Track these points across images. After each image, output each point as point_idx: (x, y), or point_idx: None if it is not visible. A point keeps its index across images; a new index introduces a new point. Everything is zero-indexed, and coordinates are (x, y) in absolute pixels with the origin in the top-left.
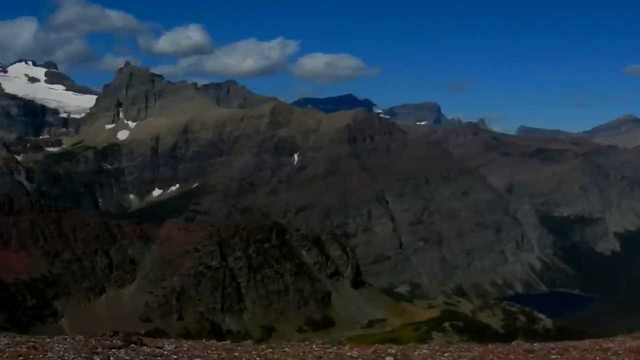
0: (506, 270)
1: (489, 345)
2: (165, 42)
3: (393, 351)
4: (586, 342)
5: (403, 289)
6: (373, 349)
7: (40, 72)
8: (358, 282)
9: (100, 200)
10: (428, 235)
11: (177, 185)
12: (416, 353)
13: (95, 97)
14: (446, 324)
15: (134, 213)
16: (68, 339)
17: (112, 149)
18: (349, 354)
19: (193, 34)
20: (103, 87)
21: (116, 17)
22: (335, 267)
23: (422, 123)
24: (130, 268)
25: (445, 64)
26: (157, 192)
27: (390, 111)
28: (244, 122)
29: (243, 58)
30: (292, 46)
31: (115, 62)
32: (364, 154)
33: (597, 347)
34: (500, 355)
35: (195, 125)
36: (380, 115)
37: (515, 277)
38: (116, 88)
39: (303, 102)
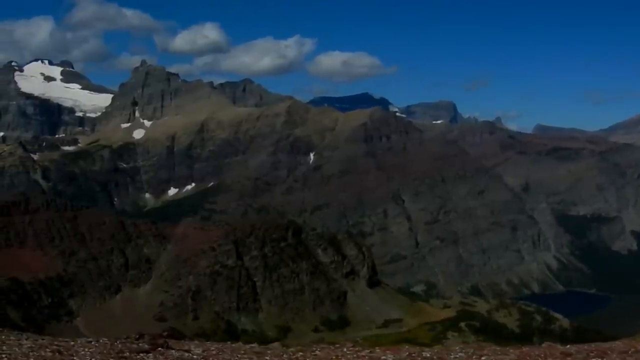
0: (522, 269)
1: (524, 348)
2: (181, 41)
3: (428, 354)
4: (620, 344)
5: (419, 288)
6: (407, 352)
7: (56, 71)
8: (374, 282)
9: (116, 199)
10: (444, 235)
11: (193, 185)
12: (452, 356)
13: (111, 96)
14: (462, 324)
15: (150, 212)
16: (92, 342)
17: (127, 148)
18: (383, 357)
19: (209, 33)
20: (119, 86)
21: (132, 16)
22: (351, 267)
23: (438, 122)
24: (146, 267)
25: (461, 62)
26: (172, 191)
27: (407, 110)
28: (260, 121)
29: (259, 56)
30: (308, 44)
31: (131, 60)
32: (380, 153)
33: (633, 349)
34: (538, 359)
35: (211, 124)
36: (397, 114)
37: (532, 276)
38: (132, 87)
39: (319, 101)
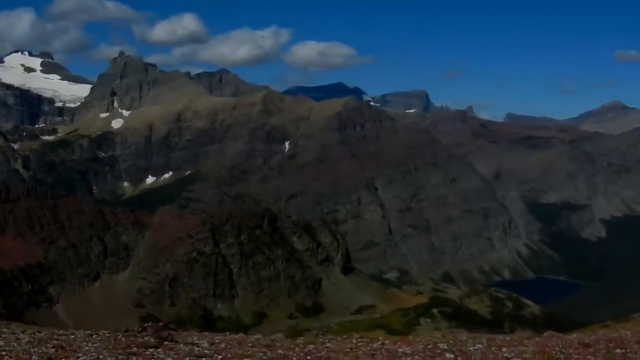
0: (493, 256)
1: (537, 338)
2: (160, 31)
3: (446, 346)
4: (629, 334)
5: (392, 275)
6: (423, 344)
7: (36, 62)
8: (348, 269)
9: (94, 187)
10: (417, 222)
11: (170, 173)
12: (471, 348)
13: (90, 86)
14: (434, 310)
15: (128, 200)
16: (94, 336)
17: (106, 138)
18: (400, 350)
19: (188, 23)
20: (98, 76)
21: (112, 7)
22: (325, 254)
23: (411, 111)
24: (124, 255)
25: (435, 53)
26: (150, 180)
27: (381, 99)
28: (236, 111)
29: (237, 47)
30: (284, 35)
31: (110, 51)
32: (354, 142)
33: None
34: (563, 351)
35: (188, 114)
36: (371, 103)
37: (503, 263)
38: (110, 77)
39: (294, 91)
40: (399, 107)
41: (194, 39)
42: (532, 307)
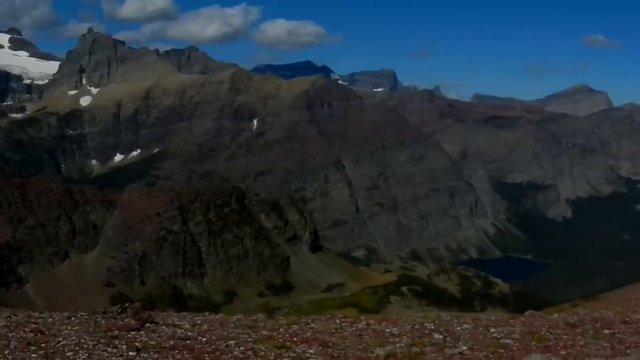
0: (460, 235)
1: (521, 318)
2: (129, 8)
3: (433, 327)
4: (611, 314)
5: (359, 253)
6: (410, 325)
7: (4, 39)
8: (316, 247)
9: (62, 165)
10: (384, 200)
11: (139, 151)
12: (458, 329)
13: (59, 63)
14: (404, 289)
15: (96, 178)
16: (72, 318)
17: (74, 115)
18: (387, 330)
19: (157, 0)
20: (66, 53)
21: None
22: (293, 232)
23: (379, 90)
24: (93, 233)
25: (404, 32)
26: (118, 158)
27: (350, 78)
28: (205, 88)
29: (206, 24)
30: (254, 12)
31: (79, 28)
32: (321, 120)
33: (628, 319)
34: (551, 331)
35: (156, 91)
36: (339, 82)
37: (469, 242)
38: (79, 54)
39: (263, 69)
40: (366, 86)
41: (164, 16)
42: (501, 286)
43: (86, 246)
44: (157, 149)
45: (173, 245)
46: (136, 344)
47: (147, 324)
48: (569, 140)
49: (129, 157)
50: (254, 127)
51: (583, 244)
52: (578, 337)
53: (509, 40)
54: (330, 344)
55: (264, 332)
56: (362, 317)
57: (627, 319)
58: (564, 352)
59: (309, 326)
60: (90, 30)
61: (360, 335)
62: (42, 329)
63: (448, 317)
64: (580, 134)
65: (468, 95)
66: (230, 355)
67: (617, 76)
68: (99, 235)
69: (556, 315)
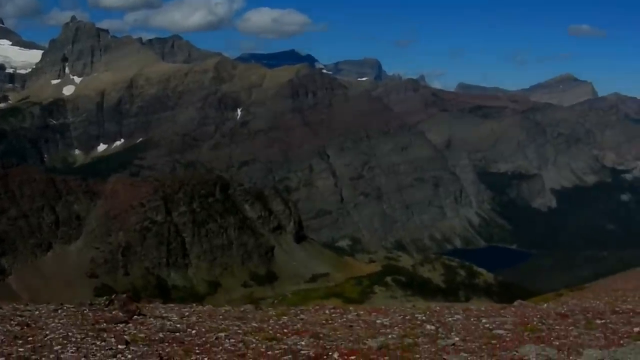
0: (445, 225)
1: (512, 308)
2: None
3: (424, 317)
4: (601, 304)
5: (344, 243)
6: (401, 315)
7: None
8: (300, 237)
9: (45, 155)
10: (368, 190)
11: (122, 141)
12: (450, 319)
13: (42, 52)
14: (388, 279)
15: (79, 168)
16: (59, 311)
17: (57, 105)
18: (378, 321)
19: None
20: (49, 42)
21: None
22: (278, 222)
23: (364, 79)
24: (76, 224)
25: (389, 21)
26: (102, 148)
27: (335, 67)
28: (188, 77)
29: (190, 13)
30: (238, 1)
31: (62, 16)
32: (306, 109)
33: (618, 309)
34: (543, 322)
35: (140, 80)
36: (323, 71)
37: (454, 232)
38: (62, 43)
39: (247, 58)
40: (351, 75)
41: (147, 4)
42: (485, 276)
43: (70, 237)
44: (140, 139)
45: (157, 235)
46: (125, 336)
47: (135, 316)
48: (554, 130)
49: (113, 147)
50: (238, 116)
51: (567, 234)
52: (570, 328)
53: (494, 30)
54: (321, 335)
55: (254, 324)
56: (350, 308)
57: (617, 309)
58: (557, 343)
59: (298, 317)
60: (73, 18)
61: (351, 326)
62: (29, 322)
63: (438, 308)
64: (565, 124)
65: (453, 85)
66: (220, 347)
67: (603, 66)
68: (82, 226)
69: (546, 305)
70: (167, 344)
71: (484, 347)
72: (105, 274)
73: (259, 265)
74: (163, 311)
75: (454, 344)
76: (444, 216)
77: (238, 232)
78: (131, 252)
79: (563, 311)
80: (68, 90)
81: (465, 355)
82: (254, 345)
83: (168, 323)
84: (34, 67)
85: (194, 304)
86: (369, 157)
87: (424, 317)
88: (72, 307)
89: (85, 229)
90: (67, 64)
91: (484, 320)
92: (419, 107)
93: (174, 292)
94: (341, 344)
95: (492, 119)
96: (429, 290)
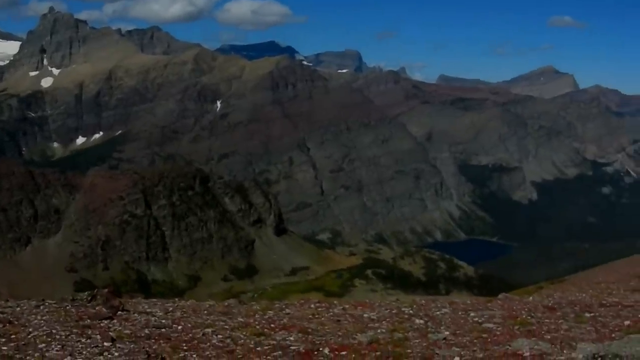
0: (425, 217)
1: (498, 300)
2: None
3: (411, 311)
4: (587, 297)
5: (324, 236)
6: (387, 309)
7: None
8: (281, 230)
9: (24, 149)
10: (349, 183)
11: (101, 133)
12: (438, 313)
13: (19, 43)
14: (368, 272)
15: (58, 161)
16: (41, 307)
17: (35, 97)
18: (365, 315)
19: None
20: (27, 33)
21: None
22: (258, 215)
23: (344, 71)
24: (55, 218)
25: (371, 13)
26: (80, 140)
27: (316, 59)
28: (168, 69)
29: (169, 4)
30: None
31: (40, 7)
32: (286, 101)
33: (605, 302)
34: (532, 315)
35: (118, 72)
36: (304, 62)
37: (435, 224)
38: (40, 34)
39: (227, 49)
40: (331, 67)
41: None
42: (466, 269)
43: (48, 231)
44: (119, 131)
45: (136, 229)
46: (110, 333)
47: (119, 312)
48: (535, 122)
49: (92, 139)
50: (218, 108)
51: (548, 226)
52: (560, 321)
53: (475, 22)
54: (310, 330)
55: (240, 319)
56: (335, 302)
57: (604, 302)
58: (548, 337)
59: (284, 312)
60: (51, 9)
61: (338, 320)
62: (11, 319)
63: (423, 301)
64: (546, 117)
65: (434, 77)
66: (208, 344)
67: (584, 58)
68: (61, 220)
69: (531, 298)
70: (153, 340)
71: (475, 341)
72: (84, 269)
73: (239, 258)
74: (146, 306)
75: (444, 338)
76: (425, 209)
77: (218, 226)
78: (110, 246)
79: (550, 304)
80: (46, 82)
81: (457, 349)
82: (242, 341)
83: (153, 319)
84: (12, 58)
85: (177, 299)
86: (350, 149)
87: (411, 311)
88: (54, 303)
89: (64, 222)
90: (45, 55)
91: (472, 314)
92: (400, 99)
93: (153, 286)
94: (330, 338)
95: (473, 111)
96: (410, 283)
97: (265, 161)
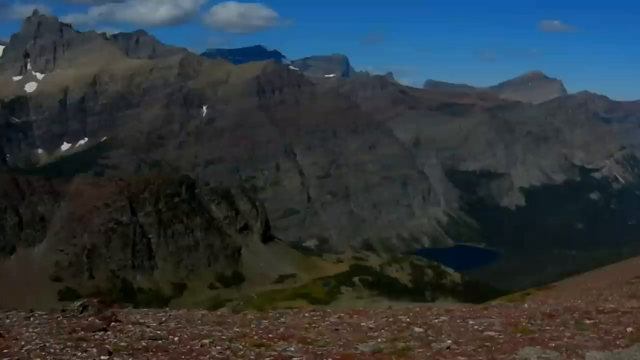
0: (413, 224)
1: (494, 307)
2: None
3: (409, 319)
4: (582, 304)
5: (311, 243)
6: (384, 318)
7: None
8: (267, 237)
9: (8, 155)
10: (336, 189)
11: (86, 139)
12: (436, 321)
13: (2, 47)
14: (355, 279)
15: (43, 168)
16: (31, 319)
17: (19, 102)
18: (363, 324)
19: None
20: (10, 37)
21: None
22: (244, 222)
23: (331, 76)
24: (40, 226)
25: (358, 16)
26: (65, 146)
27: (301, 63)
28: (153, 74)
29: (156, 7)
30: None
31: (24, 10)
32: (272, 107)
33: (601, 308)
34: (532, 322)
35: (103, 76)
36: (290, 67)
37: (422, 231)
38: (24, 38)
39: (213, 53)
40: (318, 71)
41: None
42: (453, 275)
43: (33, 239)
44: (105, 137)
45: (122, 237)
46: (106, 346)
47: (112, 323)
48: (523, 128)
49: (77, 145)
50: (204, 114)
51: (536, 233)
52: (561, 328)
53: (462, 26)
54: (309, 340)
55: (236, 329)
56: (328, 310)
57: (601, 308)
58: (553, 345)
59: (279, 321)
60: (35, 12)
61: (337, 330)
62: (1, 331)
63: (418, 309)
64: (534, 122)
65: (421, 82)
66: (208, 356)
67: (572, 63)
68: (46, 228)
69: (527, 305)
70: (151, 353)
71: (479, 349)
72: (69, 277)
73: (226, 266)
74: (139, 316)
75: (448, 347)
76: (412, 215)
77: (204, 233)
78: (96, 255)
79: (548, 311)
80: (30, 87)
81: (463, 358)
82: (242, 352)
83: (148, 330)
84: None
85: (167, 309)
86: (337, 155)
87: (408, 319)
88: (45, 315)
89: (49, 230)
90: (29, 60)
91: (471, 322)
92: (387, 104)
93: (139, 295)
94: (332, 349)
95: (461, 117)
96: (396, 290)
97: (251, 167)
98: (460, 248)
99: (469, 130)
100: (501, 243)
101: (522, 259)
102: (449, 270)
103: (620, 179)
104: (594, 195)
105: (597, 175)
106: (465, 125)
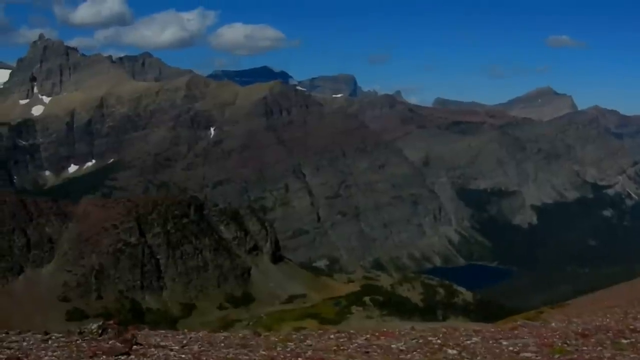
0: (424, 243)
1: (522, 326)
2: (83, 13)
3: (439, 341)
4: (613, 324)
5: (321, 263)
6: (414, 339)
7: None
8: (277, 257)
9: (15, 177)
10: (346, 209)
11: (93, 161)
12: (468, 342)
13: (9, 71)
14: (366, 299)
15: (50, 190)
16: (49, 342)
17: (26, 125)
18: (394, 346)
19: (111, 4)
20: (17, 61)
21: None
22: (254, 242)
23: (339, 95)
24: (48, 247)
25: (364, 36)
26: (73, 169)
27: (309, 84)
28: (160, 96)
29: (162, 30)
30: (211, 17)
31: (31, 34)
32: (280, 127)
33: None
34: (567, 342)
35: (110, 99)
36: (297, 87)
37: (433, 250)
38: (30, 62)
39: (219, 75)
40: (326, 91)
41: (118, 21)
42: (464, 294)
43: (41, 260)
44: (112, 159)
45: (131, 257)
46: None
47: (134, 346)
48: (533, 145)
49: (84, 167)
50: (211, 135)
51: (548, 251)
52: (599, 348)
53: (470, 43)
54: None
55: (262, 352)
56: (352, 331)
57: (632, 326)
58: None
59: (305, 343)
60: (41, 36)
61: (367, 352)
62: (20, 355)
63: (444, 329)
64: (545, 139)
65: (430, 100)
66: None
67: (582, 79)
68: (54, 249)
69: (554, 324)
70: None
71: None
72: (77, 298)
73: (235, 286)
74: (159, 339)
75: None
76: (423, 234)
77: (213, 254)
78: (104, 275)
79: (580, 330)
80: (37, 111)
81: None
82: None
83: (172, 353)
84: (2, 87)
85: (186, 330)
86: (346, 175)
87: (439, 341)
88: (62, 337)
89: (57, 251)
90: (35, 83)
91: (504, 343)
92: (396, 123)
93: (147, 315)
94: None
95: (471, 135)
96: (406, 310)
97: (260, 188)
98: (472, 267)
99: (479, 148)
100: (513, 261)
101: (534, 277)
102: (461, 289)
103: (634, 195)
104: (606, 212)
105: (609, 191)
106: (475, 143)
